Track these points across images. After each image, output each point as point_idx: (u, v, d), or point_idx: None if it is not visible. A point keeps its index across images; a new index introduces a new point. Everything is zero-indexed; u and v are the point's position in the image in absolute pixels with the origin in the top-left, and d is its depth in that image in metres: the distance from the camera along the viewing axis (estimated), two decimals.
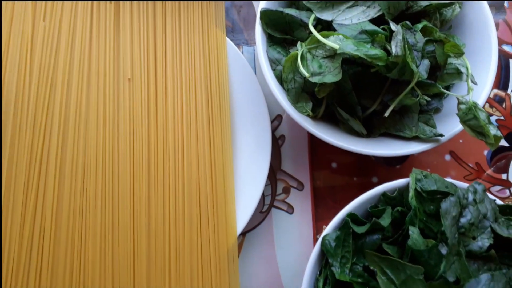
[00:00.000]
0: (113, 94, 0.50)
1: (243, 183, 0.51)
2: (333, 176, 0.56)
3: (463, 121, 0.45)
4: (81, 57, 0.51)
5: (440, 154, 0.58)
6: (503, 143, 0.58)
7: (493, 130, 0.43)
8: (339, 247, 0.43)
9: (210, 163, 0.50)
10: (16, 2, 0.51)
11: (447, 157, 0.57)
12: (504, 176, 0.57)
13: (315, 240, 0.53)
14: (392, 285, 0.40)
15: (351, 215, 0.44)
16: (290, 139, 0.56)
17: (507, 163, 0.57)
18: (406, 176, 0.52)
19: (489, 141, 0.43)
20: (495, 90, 0.60)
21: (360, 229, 0.43)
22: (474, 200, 0.41)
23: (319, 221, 0.54)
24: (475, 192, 0.42)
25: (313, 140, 0.56)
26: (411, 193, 0.44)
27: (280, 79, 0.48)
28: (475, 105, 0.44)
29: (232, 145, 0.52)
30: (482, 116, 0.44)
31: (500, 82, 0.60)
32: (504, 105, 0.59)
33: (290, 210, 0.54)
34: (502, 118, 0.59)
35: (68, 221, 0.47)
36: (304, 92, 0.47)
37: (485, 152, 0.58)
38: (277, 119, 0.56)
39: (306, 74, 0.44)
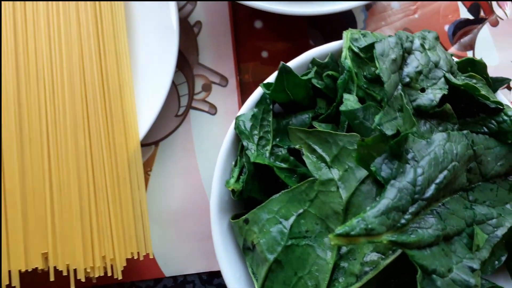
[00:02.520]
0: None
1: (144, 78, 0.41)
2: (264, 68, 0.46)
3: None
4: None
5: (392, 33, 0.48)
6: (467, 15, 0.48)
7: None
8: (256, 127, 0.34)
9: (98, 48, 0.39)
10: None
11: None
12: (469, 54, 0.48)
13: None
14: (322, 163, 0.31)
15: (265, 85, 0.34)
16: (209, 25, 0.46)
17: (472, 39, 0.48)
18: None
19: None
20: None
21: (278, 96, 0.33)
22: (422, 45, 0.32)
23: None
24: (423, 38, 0.33)
25: (237, 26, 0.46)
26: (344, 53, 0.34)
27: None
28: None
29: (128, 30, 0.42)
30: None
31: None
32: None
33: (213, 110, 0.44)
34: None
35: None
36: None
37: (446, 28, 0.48)
38: (190, 3, 0.46)
39: None
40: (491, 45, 0.47)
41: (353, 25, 0.47)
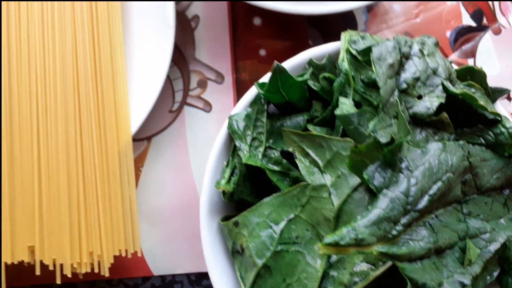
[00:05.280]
0: None
1: (139, 72, 0.40)
2: (261, 66, 0.45)
3: None
4: None
5: (392, 35, 0.47)
6: (470, 22, 0.48)
7: None
8: (249, 127, 0.33)
9: (93, 39, 0.39)
10: None
11: None
12: (470, 62, 0.47)
13: None
14: (315, 168, 0.30)
15: (260, 85, 0.33)
16: (206, 20, 0.45)
17: (474, 46, 0.47)
18: None
19: None
20: None
21: (272, 96, 0.32)
22: (421, 51, 0.31)
23: None
24: (422, 43, 0.32)
25: (236, 22, 0.45)
26: (341, 55, 0.33)
27: None
28: None
29: (124, 22, 0.41)
30: None
31: None
32: None
33: (207, 107, 0.43)
34: None
35: None
36: None
37: (448, 34, 0.47)
38: None
39: None
40: (492, 54, 0.46)
41: (354, 26, 0.46)
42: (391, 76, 0.29)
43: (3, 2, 0.38)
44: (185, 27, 0.44)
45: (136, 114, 0.39)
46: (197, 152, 0.43)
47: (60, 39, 0.38)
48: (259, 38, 0.45)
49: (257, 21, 0.46)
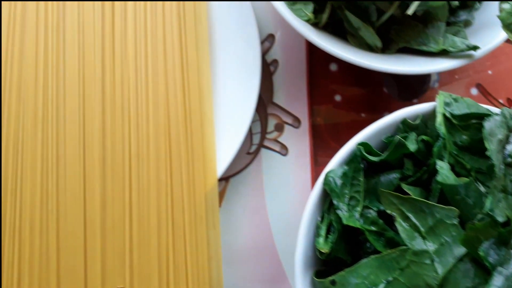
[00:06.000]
0: None
1: (225, 114, 0.41)
2: (336, 112, 0.46)
3: (506, 26, 0.34)
4: None
5: (465, 87, 0.48)
6: None
7: None
8: (346, 186, 0.34)
9: (182, 84, 0.39)
10: None
11: (474, 91, 0.48)
12: None
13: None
14: (416, 233, 0.31)
15: (363, 145, 0.34)
16: (285, 65, 0.46)
17: None
18: None
19: None
20: None
21: (374, 157, 0.33)
22: None
23: (318, 165, 0.44)
24: None
25: (313, 67, 0.46)
26: (438, 118, 0.34)
27: None
28: None
29: (212, 67, 0.42)
30: None
31: None
32: None
33: (284, 151, 0.44)
34: None
35: None
36: None
37: None
38: (268, 40, 0.46)
39: None
40: None
41: (427, 76, 0.47)
42: (499, 151, 0.30)
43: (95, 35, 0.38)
44: (264, 71, 0.45)
45: (221, 157, 0.40)
46: (273, 195, 0.43)
47: (153, 83, 0.39)
48: (334, 83, 0.46)
49: (333, 67, 0.46)
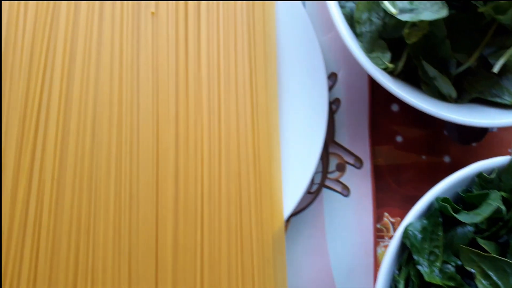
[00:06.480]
0: (132, 31, 0.39)
1: (291, 155, 0.41)
2: (397, 153, 0.46)
3: None
4: None
5: None
6: None
7: None
8: (426, 240, 0.33)
9: (252, 126, 0.40)
10: None
11: None
12: None
13: (375, 229, 0.43)
14: None
15: (444, 200, 0.34)
16: (347, 104, 0.46)
17: None
18: (485, 156, 0.43)
19: None
20: None
21: (466, 218, 0.33)
22: None
23: (379, 207, 0.44)
24: None
25: (375, 106, 0.46)
26: None
27: (350, 20, 0.37)
28: None
29: (279, 107, 0.42)
30: None
31: None
32: None
33: (345, 191, 0.44)
34: None
35: (72, 188, 0.37)
36: (381, 39, 0.37)
37: None
38: (330, 78, 0.46)
39: (393, 11, 0.33)
40: None
41: None
42: None
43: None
44: None
45: (287, 198, 0.40)
46: (334, 236, 0.43)
47: (225, 126, 0.39)
48: (396, 124, 0.46)
49: (394, 107, 0.46)
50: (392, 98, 0.46)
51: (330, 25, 0.46)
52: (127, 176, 0.37)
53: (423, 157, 0.46)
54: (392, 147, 0.46)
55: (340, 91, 0.46)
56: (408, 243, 0.33)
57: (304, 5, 0.46)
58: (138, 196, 0.37)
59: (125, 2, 0.39)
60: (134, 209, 0.37)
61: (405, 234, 0.33)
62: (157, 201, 0.37)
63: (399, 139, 0.46)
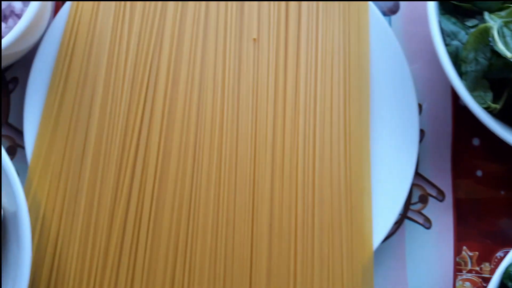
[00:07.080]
0: (234, 56, 0.40)
1: (381, 186, 0.41)
2: (477, 187, 0.45)
3: None
4: (196, 9, 0.41)
5: None
6: None
7: None
8: None
9: (345, 156, 0.40)
10: None
11: None
12: None
13: (455, 263, 0.43)
14: None
15: None
16: (431, 135, 0.46)
17: None
18: None
19: None
20: None
21: None
22: None
23: (459, 241, 0.44)
24: None
25: (458, 140, 0.46)
26: None
27: (454, 58, 0.38)
28: None
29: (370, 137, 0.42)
30: None
31: None
32: None
33: (427, 224, 0.44)
34: None
35: (172, 212, 0.37)
36: (485, 79, 0.37)
37: None
38: None
39: (508, 54, 0.33)
40: None
41: None
42: None
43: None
44: None
45: (376, 229, 0.40)
46: (414, 268, 0.43)
47: (319, 154, 0.40)
48: (476, 158, 0.46)
49: (475, 141, 0.46)
50: (474, 132, 0.47)
51: (415, 56, 0.47)
52: (225, 201, 0.38)
53: (502, 192, 0.46)
54: (472, 181, 0.46)
55: (424, 123, 0.46)
56: (510, 284, 0.33)
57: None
58: (235, 221, 0.37)
59: (228, 28, 0.40)
60: (230, 235, 0.37)
61: (506, 275, 0.33)
62: (252, 228, 0.37)
63: (479, 173, 0.46)
